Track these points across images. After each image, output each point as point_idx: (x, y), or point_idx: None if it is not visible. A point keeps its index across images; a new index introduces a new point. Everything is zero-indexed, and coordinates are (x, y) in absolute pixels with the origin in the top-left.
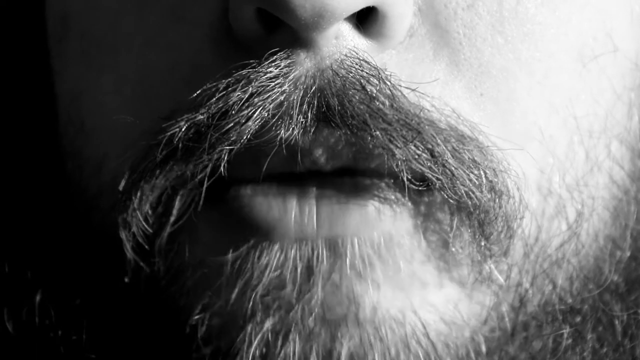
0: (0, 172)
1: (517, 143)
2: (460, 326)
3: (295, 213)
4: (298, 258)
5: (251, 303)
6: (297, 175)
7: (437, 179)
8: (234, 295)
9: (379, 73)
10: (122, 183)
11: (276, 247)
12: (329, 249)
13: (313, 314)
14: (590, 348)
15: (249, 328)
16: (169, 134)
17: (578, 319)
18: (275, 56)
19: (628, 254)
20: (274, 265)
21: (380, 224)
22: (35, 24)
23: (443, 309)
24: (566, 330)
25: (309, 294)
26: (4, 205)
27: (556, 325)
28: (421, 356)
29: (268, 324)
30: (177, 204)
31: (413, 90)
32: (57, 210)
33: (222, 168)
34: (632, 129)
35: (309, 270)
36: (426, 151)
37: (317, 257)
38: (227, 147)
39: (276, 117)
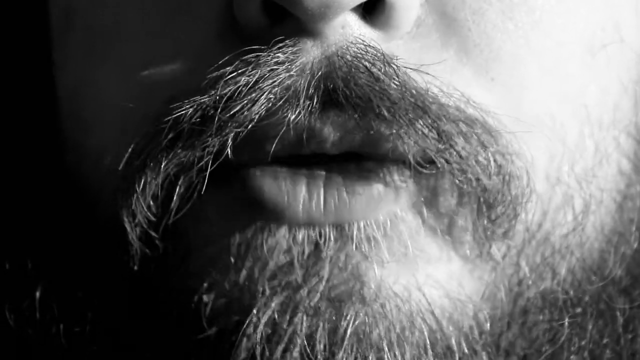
0: (0, 165)
1: (527, 129)
2: (463, 302)
3: (304, 199)
4: (306, 240)
5: (259, 284)
6: (303, 157)
7: (446, 160)
8: (241, 276)
9: (384, 57)
10: (122, 167)
11: (284, 229)
12: (336, 231)
13: (319, 293)
14: (589, 339)
15: (255, 308)
16: (174, 116)
17: (579, 309)
18: (281, 43)
19: (634, 247)
20: (283, 247)
21: (385, 205)
22: (37, 16)
23: (447, 285)
24: (566, 320)
25: (315, 275)
26: (5, 198)
27: (556, 314)
28: (426, 333)
29: (275, 304)
30: (179, 189)
31: (417, 70)
32: (58, 202)
33: (228, 149)
34: (638, 123)
35: (317, 252)
36: (433, 130)
37: (325, 240)
38: (235, 130)
39: (283, 100)
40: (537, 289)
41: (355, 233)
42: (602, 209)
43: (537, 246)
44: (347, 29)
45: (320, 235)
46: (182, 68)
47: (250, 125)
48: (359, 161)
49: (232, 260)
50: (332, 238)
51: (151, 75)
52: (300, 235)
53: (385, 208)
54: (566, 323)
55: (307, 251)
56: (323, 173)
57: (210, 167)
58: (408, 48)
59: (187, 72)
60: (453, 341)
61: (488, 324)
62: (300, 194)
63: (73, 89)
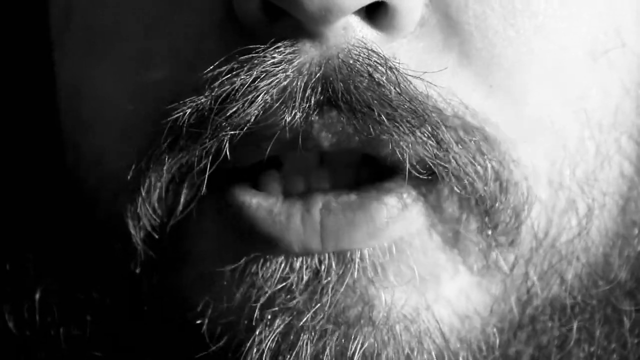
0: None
1: (528, 135)
2: (472, 319)
3: (299, 230)
4: (304, 269)
5: (256, 309)
6: (301, 163)
7: (443, 167)
8: (236, 301)
9: (387, 62)
10: (130, 172)
11: (280, 258)
12: (337, 259)
13: (324, 316)
14: (598, 344)
15: (257, 329)
16: (172, 118)
17: (586, 314)
18: (279, 43)
19: (638, 249)
20: (279, 276)
21: (390, 231)
22: (38, 16)
23: (456, 301)
24: (574, 325)
25: (319, 301)
26: (4, 198)
27: (564, 320)
28: (434, 353)
29: (278, 325)
30: (184, 192)
31: (418, 77)
32: (58, 202)
33: (226, 151)
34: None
35: (318, 280)
36: (432, 138)
37: (325, 269)
38: (230, 132)
39: (279, 102)
40: (545, 297)
41: (357, 260)
42: (605, 213)
43: (545, 254)
44: (348, 30)
45: (320, 263)
46: (180, 66)
47: (245, 128)
48: (359, 189)
49: (225, 283)
50: (333, 265)
51: (149, 74)
52: (298, 263)
53: (389, 235)
54: (574, 328)
55: (305, 278)
56: (320, 203)
57: (209, 170)
58: (411, 47)
59: (185, 71)
60: (461, 359)
61: (497, 340)
62: (294, 226)
63: (72, 88)
